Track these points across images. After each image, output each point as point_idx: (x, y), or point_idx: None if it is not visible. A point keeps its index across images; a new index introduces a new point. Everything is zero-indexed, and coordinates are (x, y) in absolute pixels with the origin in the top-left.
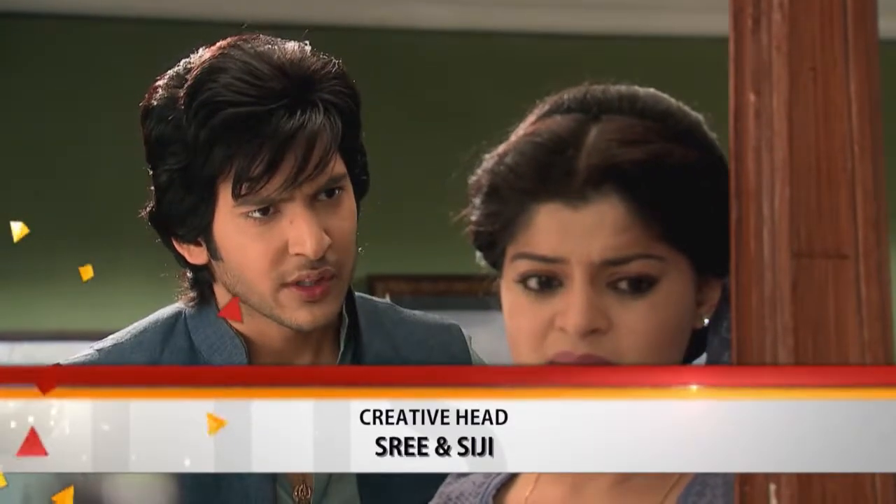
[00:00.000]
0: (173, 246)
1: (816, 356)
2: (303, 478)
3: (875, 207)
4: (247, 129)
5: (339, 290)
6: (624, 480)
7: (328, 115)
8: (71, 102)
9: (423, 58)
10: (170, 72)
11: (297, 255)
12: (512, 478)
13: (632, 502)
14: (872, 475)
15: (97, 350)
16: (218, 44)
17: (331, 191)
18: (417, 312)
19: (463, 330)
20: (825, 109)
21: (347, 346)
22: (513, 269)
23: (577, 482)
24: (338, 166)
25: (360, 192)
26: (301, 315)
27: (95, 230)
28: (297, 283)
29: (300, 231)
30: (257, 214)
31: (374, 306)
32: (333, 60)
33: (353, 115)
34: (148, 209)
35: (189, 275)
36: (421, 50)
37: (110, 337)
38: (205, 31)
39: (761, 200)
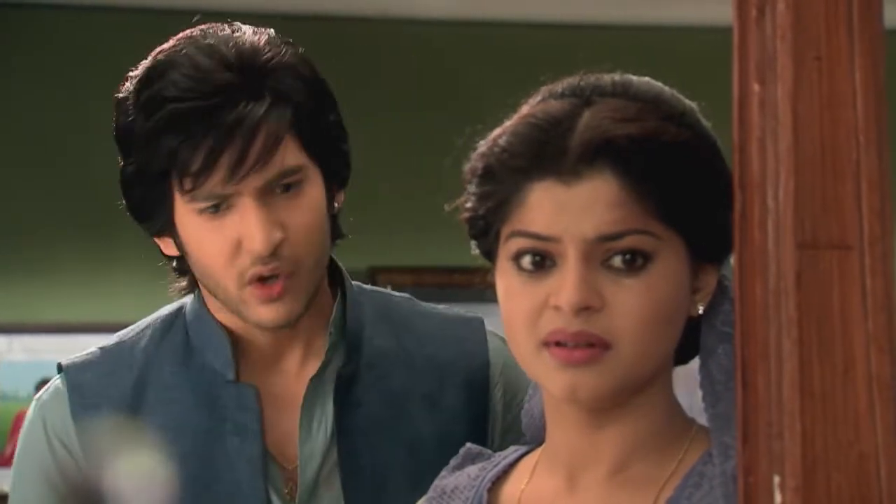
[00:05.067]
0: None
1: (821, 348)
2: (294, 476)
3: (880, 198)
4: (189, 123)
5: (299, 288)
6: (620, 471)
7: (275, 105)
8: (71, 93)
9: (425, 48)
10: (143, 62)
11: (248, 251)
12: (507, 470)
13: (628, 493)
14: (878, 466)
15: (100, 348)
16: (179, 34)
17: (286, 186)
18: (440, 306)
19: (488, 327)
20: (830, 99)
21: (338, 341)
22: (507, 249)
23: (573, 473)
24: (292, 158)
25: (337, 180)
26: (262, 312)
27: (95, 222)
28: (257, 280)
29: (248, 226)
30: (210, 210)
31: (385, 299)
32: (289, 49)
33: (311, 102)
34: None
35: (174, 264)
36: (423, 41)
37: (117, 334)
38: (207, 21)
39: (765, 191)
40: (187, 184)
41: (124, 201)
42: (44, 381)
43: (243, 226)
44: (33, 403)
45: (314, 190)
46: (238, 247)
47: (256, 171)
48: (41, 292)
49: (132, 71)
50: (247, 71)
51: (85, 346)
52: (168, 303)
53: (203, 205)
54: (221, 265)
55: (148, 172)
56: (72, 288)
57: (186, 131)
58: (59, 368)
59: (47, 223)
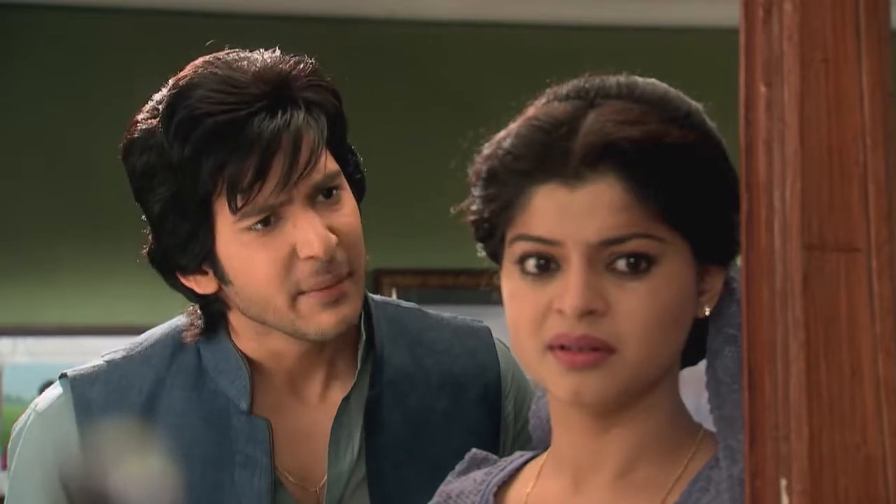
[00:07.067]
0: (179, 283)
1: (828, 350)
2: (316, 498)
3: (887, 200)
4: (230, 137)
5: (357, 289)
6: (626, 475)
7: (310, 112)
8: (74, 94)
9: (430, 50)
10: (145, 107)
11: (308, 258)
12: (513, 475)
13: (634, 497)
14: (885, 469)
15: (106, 361)
16: (186, 67)
17: (328, 191)
18: (445, 315)
19: (493, 334)
20: (837, 101)
21: (365, 364)
22: (511, 253)
23: (578, 477)
24: (330, 164)
25: (358, 192)
26: (323, 319)
27: (97, 224)
28: (313, 289)
29: (305, 232)
30: (259, 226)
31: (397, 312)
32: (306, 59)
33: (336, 110)
34: (146, 249)
35: (199, 311)
36: (428, 43)
37: (122, 348)
38: (208, 22)
39: (772, 193)
40: (239, 200)
41: (155, 243)
42: (47, 384)
43: (298, 233)
44: (32, 416)
45: (349, 196)
46: (291, 257)
47: (305, 177)
48: (44, 294)
49: (136, 114)
50: (277, 81)
51: (88, 348)
52: (170, 306)
53: (253, 220)
54: (274, 280)
55: (188, 200)
56: (75, 290)
57: (230, 146)
58: (63, 378)
59: (50, 225)
